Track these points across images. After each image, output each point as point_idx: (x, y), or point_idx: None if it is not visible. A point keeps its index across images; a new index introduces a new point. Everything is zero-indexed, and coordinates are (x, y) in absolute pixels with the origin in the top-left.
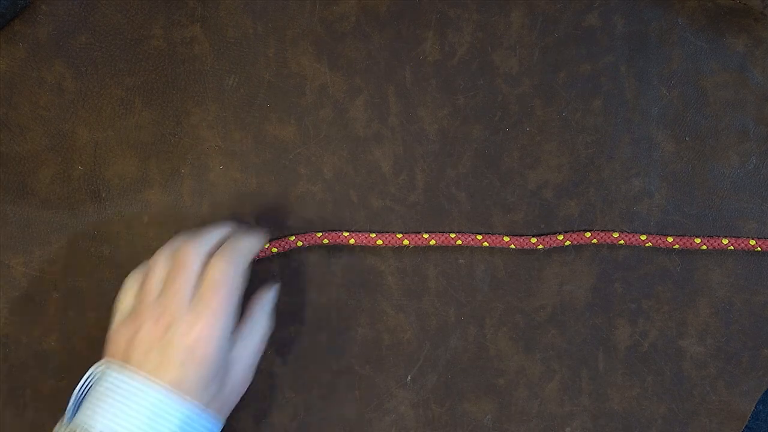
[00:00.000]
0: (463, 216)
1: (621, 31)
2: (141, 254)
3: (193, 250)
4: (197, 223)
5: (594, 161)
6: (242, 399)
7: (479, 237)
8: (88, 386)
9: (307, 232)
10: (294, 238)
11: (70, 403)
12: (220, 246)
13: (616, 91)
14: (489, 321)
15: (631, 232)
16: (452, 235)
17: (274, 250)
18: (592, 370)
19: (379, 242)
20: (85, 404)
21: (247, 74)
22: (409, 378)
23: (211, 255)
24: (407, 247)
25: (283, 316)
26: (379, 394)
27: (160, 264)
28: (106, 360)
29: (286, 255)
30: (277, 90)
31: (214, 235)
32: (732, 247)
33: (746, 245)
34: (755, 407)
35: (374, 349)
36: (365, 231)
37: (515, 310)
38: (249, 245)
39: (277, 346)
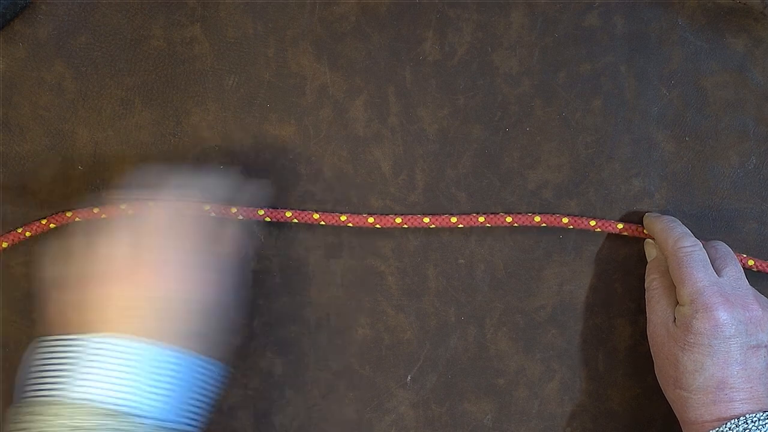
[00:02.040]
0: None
1: (621, 31)
2: None
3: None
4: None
5: (594, 161)
6: (242, 399)
7: (426, 220)
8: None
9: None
10: (235, 210)
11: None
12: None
13: (616, 91)
14: (489, 321)
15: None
16: (398, 219)
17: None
18: (592, 370)
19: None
20: (84, 376)
21: (247, 74)
22: (409, 378)
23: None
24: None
25: (283, 316)
26: (379, 394)
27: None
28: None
29: (286, 255)
30: (277, 90)
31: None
32: None
33: (744, 264)
34: None
35: (374, 349)
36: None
37: (515, 310)
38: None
39: (277, 346)
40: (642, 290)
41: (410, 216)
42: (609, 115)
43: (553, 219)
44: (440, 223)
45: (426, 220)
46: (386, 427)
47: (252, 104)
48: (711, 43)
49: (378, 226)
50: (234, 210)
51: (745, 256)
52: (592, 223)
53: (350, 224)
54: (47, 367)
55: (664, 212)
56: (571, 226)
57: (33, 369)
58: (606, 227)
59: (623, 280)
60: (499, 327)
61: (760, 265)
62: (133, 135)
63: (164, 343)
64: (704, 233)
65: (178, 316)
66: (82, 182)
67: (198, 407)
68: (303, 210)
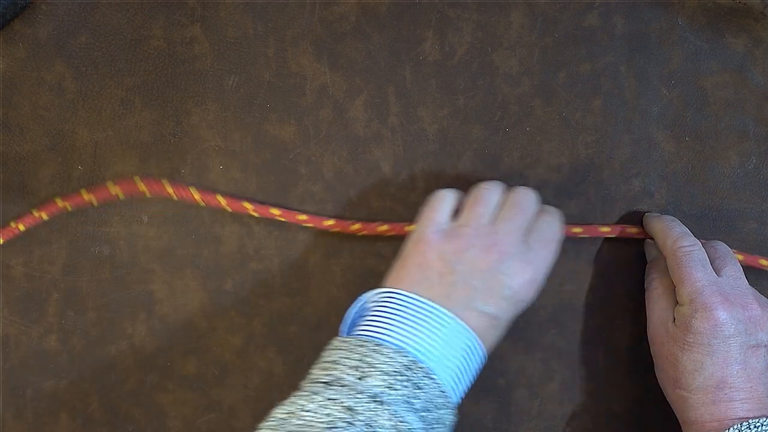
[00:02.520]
0: None
1: (621, 31)
2: (141, 254)
3: (532, 198)
4: (198, 224)
5: (594, 161)
6: (242, 399)
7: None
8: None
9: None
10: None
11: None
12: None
13: (616, 91)
14: None
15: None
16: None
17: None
18: (592, 370)
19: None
20: (395, 322)
21: (247, 74)
22: None
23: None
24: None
25: (283, 316)
26: None
27: (494, 194)
28: (420, 274)
29: (286, 254)
30: (277, 90)
31: (535, 195)
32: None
33: (755, 263)
34: None
35: None
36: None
37: None
38: (561, 216)
39: (277, 346)
40: (642, 290)
41: (394, 223)
42: (609, 115)
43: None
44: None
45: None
46: None
47: (252, 104)
48: (711, 43)
49: (364, 233)
50: (223, 201)
51: (757, 255)
52: (577, 230)
53: (336, 229)
54: (374, 312)
55: (664, 212)
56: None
57: (364, 311)
58: (593, 232)
59: (623, 280)
60: None
61: None
62: (133, 135)
63: (493, 327)
64: (704, 233)
65: (516, 314)
66: (82, 182)
67: (465, 390)
68: (300, 211)
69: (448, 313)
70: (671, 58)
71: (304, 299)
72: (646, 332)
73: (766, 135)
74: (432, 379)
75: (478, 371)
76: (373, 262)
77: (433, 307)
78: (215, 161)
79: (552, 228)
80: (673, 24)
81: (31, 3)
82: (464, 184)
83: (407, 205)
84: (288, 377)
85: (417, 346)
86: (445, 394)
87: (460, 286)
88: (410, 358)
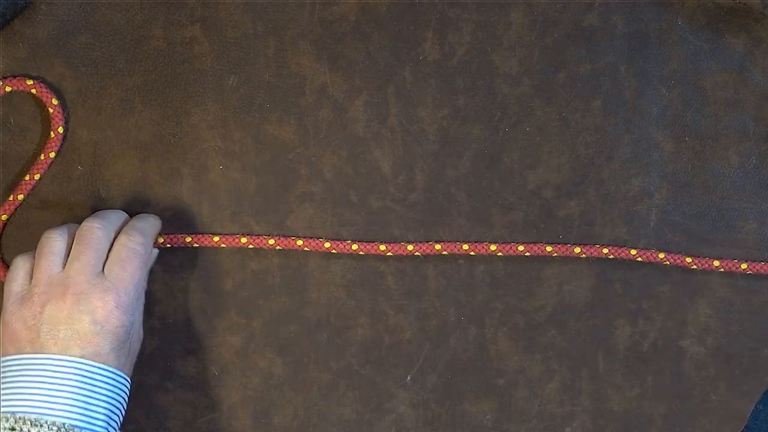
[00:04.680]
0: (462, 216)
1: (621, 31)
2: None
3: (99, 228)
4: (197, 224)
5: (594, 161)
6: (242, 399)
7: (382, 247)
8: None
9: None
10: (190, 239)
11: None
12: (122, 227)
13: (616, 91)
14: (489, 321)
15: (621, 246)
16: (382, 247)
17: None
18: (592, 370)
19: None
20: (5, 393)
21: (247, 74)
22: (409, 378)
23: (114, 235)
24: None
25: (283, 316)
26: (379, 394)
27: (56, 240)
28: (15, 348)
29: (286, 255)
30: (277, 90)
31: (114, 216)
32: (723, 270)
33: (737, 268)
34: (755, 407)
35: (374, 349)
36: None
37: (515, 310)
38: (150, 226)
39: (277, 346)
40: (642, 290)
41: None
42: (609, 115)
43: (538, 248)
44: (425, 250)
45: (382, 247)
46: (386, 427)
47: (252, 104)
48: (711, 43)
49: (334, 251)
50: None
51: (736, 261)
52: (577, 250)
53: (306, 248)
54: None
55: (664, 212)
56: (556, 254)
57: None
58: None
59: (623, 280)
60: (499, 327)
61: (753, 268)
62: (133, 135)
63: (101, 363)
64: (704, 233)
65: (119, 339)
66: (82, 182)
67: (117, 421)
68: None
69: (39, 356)
70: (671, 58)
71: (304, 299)
72: (646, 332)
73: (766, 135)
74: (39, 425)
75: (120, 386)
76: (373, 262)
77: (21, 358)
78: (215, 161)
79: (128, 247)
80: (673, 24)
81: (31, 3)
82: (464, 184)
83: (407, 205)
84: (288, 377)
85: (17, 403)
86: (65, 426)
87: (50, 344)
88: (15, 418)
